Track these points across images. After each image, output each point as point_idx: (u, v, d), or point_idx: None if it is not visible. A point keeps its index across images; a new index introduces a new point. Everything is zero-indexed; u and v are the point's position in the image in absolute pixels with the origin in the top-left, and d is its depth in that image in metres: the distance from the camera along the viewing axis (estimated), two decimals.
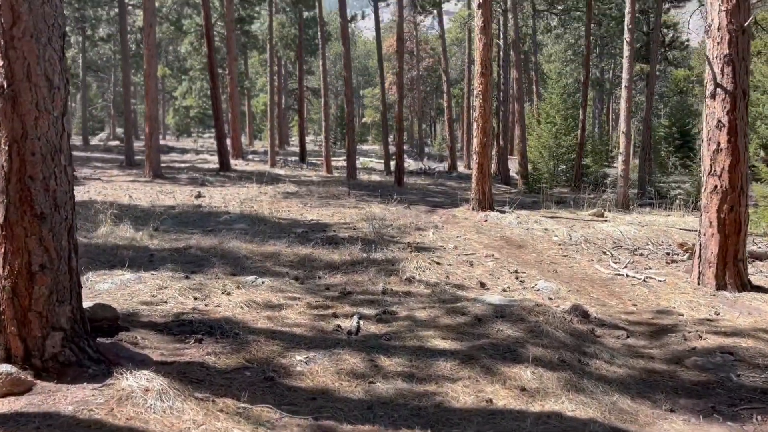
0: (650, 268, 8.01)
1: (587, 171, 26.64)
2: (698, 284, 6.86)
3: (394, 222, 11.45)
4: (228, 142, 25.46)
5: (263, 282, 6.47)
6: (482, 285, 6.90)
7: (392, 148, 48.17)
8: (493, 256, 8.89)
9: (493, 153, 30.08)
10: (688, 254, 8.99)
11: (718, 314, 5.83)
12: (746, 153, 6.70)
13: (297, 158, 32.91)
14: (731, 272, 6.66)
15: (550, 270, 8.05)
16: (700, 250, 6.88)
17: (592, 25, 26.31)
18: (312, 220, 11.74)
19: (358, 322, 4.93)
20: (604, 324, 5.44)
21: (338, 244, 8.95)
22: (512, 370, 4.07)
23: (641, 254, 9.18)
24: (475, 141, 14.08)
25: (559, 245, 9.88)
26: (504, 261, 8.52)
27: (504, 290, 6.83)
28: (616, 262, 8.45)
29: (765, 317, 5.76)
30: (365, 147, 58.66)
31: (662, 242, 10.46)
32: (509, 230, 11.41)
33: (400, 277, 6.91)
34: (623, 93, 16.17)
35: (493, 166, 29.96)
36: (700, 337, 5.02)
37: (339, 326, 4.88)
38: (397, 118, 19.71)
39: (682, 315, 5.82)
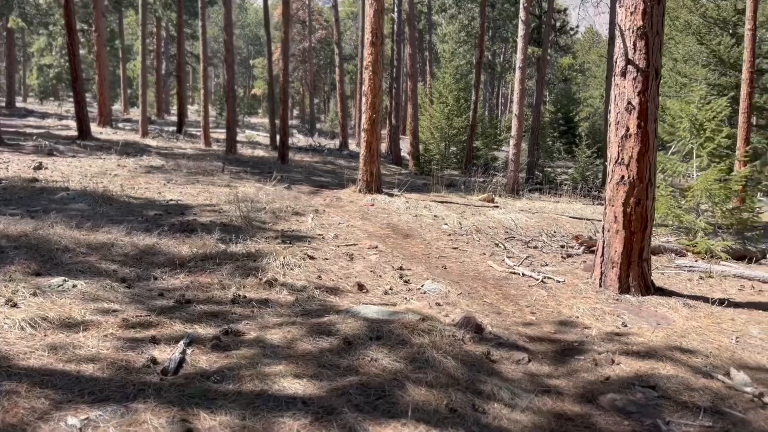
0: (546, 265, 7.24)
1: (478, 154, 26.41)
2: (600, 286, 6.13)
3: (268, 205, 10.05)
4: (96, 107, 22.60)
5: (75, 285, 4.92)
6: (360, 287, 5.76)
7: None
8: (377, 247, 7.79)
9: (385, 132, 29.22)
10: (583, 248, 8.37)
11: (625, 326, 5.06)
12: (656, 140, 6.00)
13: (175, 129, 30.26)
14: (635, 273, 5.97)
15: (439, 266, 7.06)
16: (603, 248, 6.14)
17: (486, 7, 25.91)
18: (171, 200, 10.06)
19: (182, 354, 3.59)
20: (501, 343, 4.46)
21: (193, 232, 7.45)
22: (384, 431, 2.93)
23: (535, 246, 8.46)
24: (363, 117, 12.91)
25: (449, 235, 8.97)
26: (389, 254, 7.44)
27: (386, 292, 5.74)
28: (510, 257, 7.62)
29: (674, 328, 5.06)
30: (254, 120, 56.00)
31: (555, 232, 9.86)
32: (397, 217, 10.38)
33: (259, 278, 5.60)
34: (516, 74, 15.64)
35: (385, 146, 29.14)
36: (613, 361, 4.17)
37: (153, 360, 3.51)
38: (282, 88, 18.11)
39: (588, 327, 4.99)
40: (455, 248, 8.08)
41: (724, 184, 8.70)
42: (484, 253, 7.81)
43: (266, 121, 50.21)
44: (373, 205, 11.37)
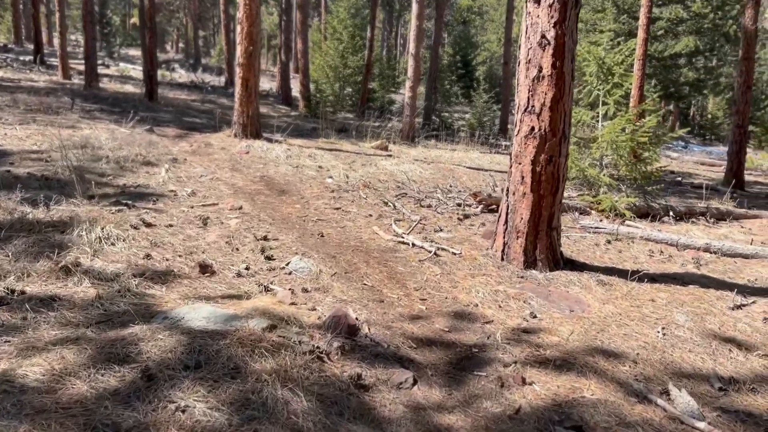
0: (441, 230, 6.17)
1: (374, 96, 25.05)
2: (502, 259, 5.13)
3: (113, 152, 8.26)
4: None
5: None
6: (204, 269, 4.39)
7: (164, 57, 41.96)
8: (241, 208, 6.38)
9: (277, 70, 27.03)
10: (482, 206, 7.40)
11: (534, 316, 4.08)
12: (573, 84, 4.95)
13: (31, 57, 26.37)
14: (543, 244, 5.01)
15: (315, 233, 5.79)
16: (507, 214, 5.11)
17: None
18: None
19: None
20: (380, 353, 3.31)
21: None
22: None
23: (429, 206, 7.38)
24: (238, 50, 11.13)
25: (333, 192, 7.68)
26: (255, 217, 6.07)
27: (239, 274, 4.42)
28: (400, 220, 6.48)
29: (591, 317, 4.15)
30: (134, 52, 50.85)
31: (451, 187, 8.85)
32: (274, 168, 8.93)
33: (56, 260, 4.07)
34: (414, 8, 14.28)
35: (276, 85, 27.00)
36: (524, 380, 3.14)
37: None
38: (148, 14, 15.65)
39: (490, 321, 3.95)
40: (337, 209, 6.82)
41: (630, 135, 7.99)
42: (371, 215, 6.61)
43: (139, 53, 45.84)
44: (247, 152, 9.82)
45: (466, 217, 6.97)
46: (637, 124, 8.30)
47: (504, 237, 5.14)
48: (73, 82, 19.37)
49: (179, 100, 18.35)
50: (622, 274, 5.15)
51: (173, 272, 4.27)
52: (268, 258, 4.86)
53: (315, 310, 3.88)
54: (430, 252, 5.22)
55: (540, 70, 4.83)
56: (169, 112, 14.65)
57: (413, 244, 5.44)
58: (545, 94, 4.82)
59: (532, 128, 4.89)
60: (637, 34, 13.87)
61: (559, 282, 4.79)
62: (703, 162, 18.59)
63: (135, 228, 5.15)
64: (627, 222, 7.48)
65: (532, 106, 4.88)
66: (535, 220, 4.98)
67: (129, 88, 20.43)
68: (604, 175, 8.29)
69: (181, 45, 57.36)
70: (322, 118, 15.99)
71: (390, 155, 11.71)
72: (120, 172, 7.39)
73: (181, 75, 31.88)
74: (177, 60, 41.23)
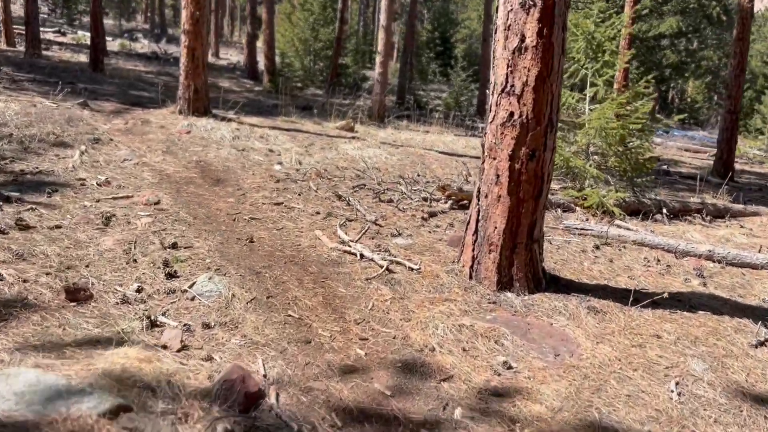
0: (398, 235, 5.10)
1: (347, 72, 23.75)
2: (471, 278, 4.11)
3: (21, 129, 7.02)
4: None
5: None
6: (74, 294, 3.29)
7: (129, 26, 39.95)
8: (158, 203, 5.25)
9: (244, 41, 25.53)
10: (451, 202, 6.37)
11: (509, 368, 3.07)
12: (563, 59, 3.90)
13: None
14: (522, 260, 3.99)
15: (244, 237, 4.70)
16: (478, 221, 4.07)
17: None
18: None
19: None
20: None
21: None
22: None
23: (390, 200, 6.31)
24: (183, 14, 9.85)
25: (278, 182, 6.57)
26: (173, 215, 4.96)
27: (122, 301, 3.34)
28: (352, 219, 5.41)
29: (583, 368, 3.16)
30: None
31: (419, 176, 7.80)
32: (215, 150, 7.77)
33: None
34: None
35: (243, 58, 25.51)
36: None
37: None
38: None
39: (449, 377, 2.93)
40: (279, 204, 5.72)
41: (623, 122, 6.99)
42: (318, 213, 5.53)
43: (109, 22, 43.55)
44: (189, 132, 8.62)
45: (432, 215, 5.92)
46: (628, 108, 7.29)
47: (473, 249, 4.10)
48: (17, 50, 17.76)
49: (132, 71, 16.90)
50: (617, 295, 4.16)
51: (25, 300, 3.16)
52: (170, 275, 3.76)
53: (210, 360, 2.82)
54: (381, 267, 4.16)
55: (522, 39, 3.76)
56: (115, 84, 13.28)
57: (362, 256, 4.37)
58: (528, 70, 3.76)
59: (511, 114, 3.83)
60: (624, 9, 12.89)
61: (541, 310, 3.78)
62: (688, 148, 17.79)
63: (1, 233, 4.01)
64: (617, 222, 6.51)
65: (512, 85, 3.82)
66: (513, 230, 3.95)
67: (81, 58, 18.86)
68: (590, 165, 7.30)
69: (151, 16, 54.96)
70: (286, 94, 14.75)
71: (355, 137, 10.60)
72: (21, 155, 6.19)
73: (144, 45, 30.12)
74: (142, 30, 39.20)
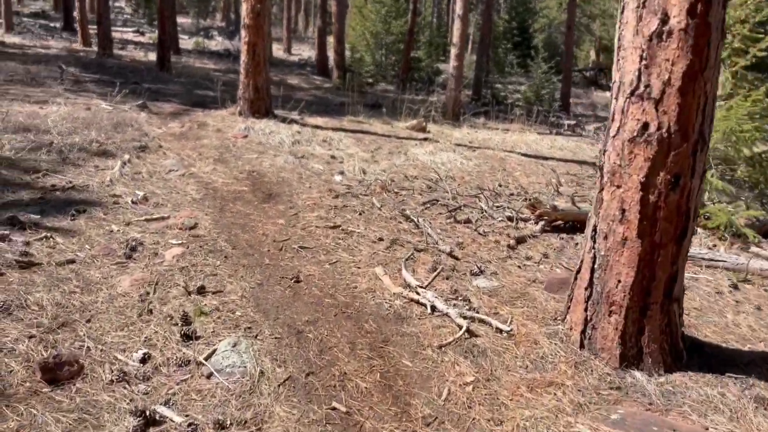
0: (480, 273, 4.07)
1: (419, 66, 22.73)
2: (582, 347, 3.04)
3: (64, 137, 6.47)
4: None
5: None
6: (53, 372, 2.51)
7: (205, 24, 40.57)
8: (195, 227, 4.48)
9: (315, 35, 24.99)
10: (542, 223, 5.27)
11: None
12: (720, 48, 2.77)
13: (62, 25, 25.19)
14: (656, 327, 2.90)
15: (289, 273, 3.82)
16: (593, 270, 3.00)
17: None
18: None
19: None
20: None
21: None
22: None
23: (467, 220, 5.28)
24: (244, 8, 9.15)
25: (338, 197, 5.67)
26: (209, 243, 4.16)
27: (120, 378, 2.55)
28: (421, 250, 4.42)
29: None
30: (181, 20, 49.60)
31: (501, 187, 6.73)
32: (272, 158, 6.98)
33: None
34: None
35: (315, 53, 24.97)
36: None
37: None
38: None
39: None
40: (335, 227, 4.81)
41: (760, 122, 5.65)
42: (381, 239, 4.58)
43: (187, 21, 44.35)
44: (245, 136, 7.89)
45: (520, 241, 4.86)
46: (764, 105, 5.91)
47: (586, 309, 3.04)
48: (92, 49, 17.85)
49: (200, 69, 16.58)
50: None
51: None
52: (188, 336, 2.93)
53: None
54: (459, 327, 3.16)
55: (664, 19, 2.65)
56: (180, 84, 12.86)
57: (433, 308, 3.38)
58: (672, 64, 2.66)
59: (645, 126, 2.74)
60: None
61: (687, 401, 2.68)
62: None
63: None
64: (753, 249, 5.21)
65: (647, 86, 2.72)
66: (644, 286, 2.86)
67: (152, 57, 18.77)
68: (713, 176, 5.98)
69: (227, 14, 55.74)
70: (354, 90, 13.91)
71: (427, 138, 9.60)
72: (58, 167, 5.59)
73: (218, 43, 30.20)
74: (218, 28, 39.57)
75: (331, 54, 22.08)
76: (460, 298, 3.54)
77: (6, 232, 3.86)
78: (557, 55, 29.88)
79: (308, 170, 6.59)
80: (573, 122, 14.36)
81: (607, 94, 24.84)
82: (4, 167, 5.23)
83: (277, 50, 29.03)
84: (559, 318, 3.31)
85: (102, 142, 6.48)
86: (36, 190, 4.93)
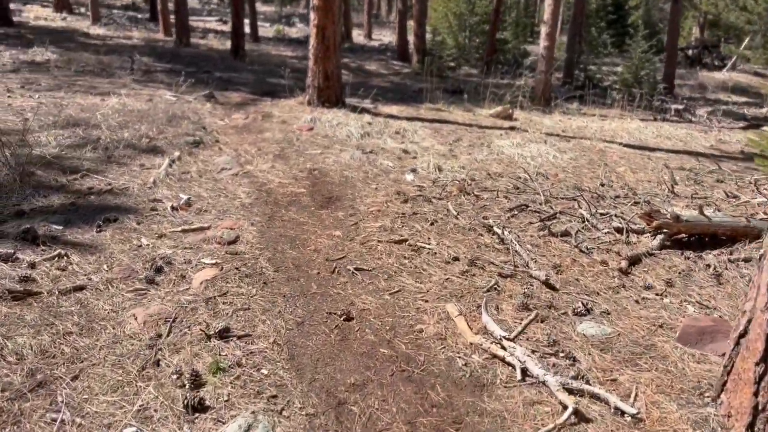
0: (586, 310, 3.11)
1: (505, 48, 21.38)
2: None
3: (114, 132, 5.99)
4: None
5: None
6: None
7: (288, 11, 40.66)
8: (235, 242, 3.80)
9: (394, 18, 24.13)
10: (662, 237, 4.21)
11: None
12: None
13: (149, 16, 25.67)
14: None
15: (338, 308, 3.03)
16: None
17: None
18: None
19: None
20: None
21: None
22: None
23: (565, 233, 4.30)
24: None
25: (406, 200, 4.83)
26: (245, 264, 3.46)
27: None
28: (507, 276, 3.50)
29: None
30: (265, 8, 50.14)
31: (603, 187, 5.66)
32: (337, 152, 6.23)
33: None
34: None
35: (395, 37, 24.11)
36: None
37: None
38: None
39: None
40: (401, 241, 3.98)
41: None
42: (456, 259, 3.71)
43: (270, 9, 44.66)
44: (311, 128, 7.19)
45: (634, 262, 3.84)
46: None
47: (757, 393, 2.05)
48: (172, 39, 17.86)
49: (276, 56, 16.14)
50: None
51: None
52: (192, 407, 2.20)
53: None
54: (563, 406, 2.25)
55: None
56: (252, 72, 12.39)
57: (525, 373, 2.49)
58: None
59: None
60: None
61: None
62: None
63: None
64: None
65: None
66: None
67: (229, 45, 18.60)
68: None
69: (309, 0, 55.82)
70: (434, 75, 12.96)
71: (513, 127, 8.57)
72: (101, 166, 5.08)
73: (299, 30, 29.96)
74: (300, 14, 39.49)
75: (411, 38, 21.16)
76: (561, 354, 2.63)
77: (11, 250, 3.30)
78: (660, 32, 27.51)
79: (376, 168, 5.79)
80: (680, 107, 12.75)
81: (715, 74, 22.47)
82: (41, 167, 4.76)
83: (358, 36, 28.42)
84: (707, 394, 2.33)
85: (152, 137, 5.96)
86: (69, 194, 4.41)
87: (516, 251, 3.86)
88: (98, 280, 3.16)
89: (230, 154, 5.89)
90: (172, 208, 4.33)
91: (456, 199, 4.94)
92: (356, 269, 3.52)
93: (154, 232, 3.88)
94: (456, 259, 3.72)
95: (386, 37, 30.15)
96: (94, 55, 11.31)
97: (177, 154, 5.58)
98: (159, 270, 3.34)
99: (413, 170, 5.75)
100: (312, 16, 8.49)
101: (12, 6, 24.33)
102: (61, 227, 3.77)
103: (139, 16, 26.24)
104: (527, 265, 3.65)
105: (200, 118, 7.28)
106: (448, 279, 3.42)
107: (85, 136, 5.74)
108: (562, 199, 5.20)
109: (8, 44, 12.01)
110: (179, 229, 3.98)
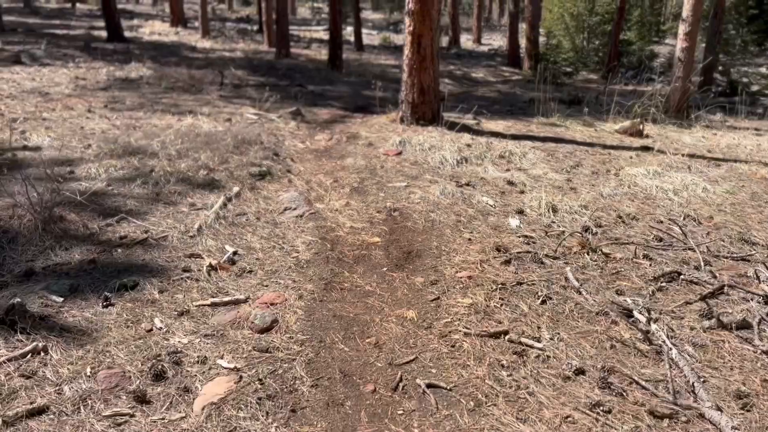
0: None
1: (629, 50, 19.28)
2: None
3: (171, 162, 5.29)
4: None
5: None
6: None
7: (396, 17, 40.20)
8: (270, 328, 2.83)
9: (505, 21, 22.67)
10: None
11: None
12: None
13: (257, 28, 25.98)
14: None
15: None
16: None
17: None
18: (28, 145, 5.61)
19: None
20: None
21: None
22: None
23: (742, 324, 2.93)
24: None
25: (508, 261, 3.64)
26: (270, 379, 2.49)
27: None
28: (659, 416, 2.26)
29: None
30: (374, 16, 50.06)
31: None
32: (426, 185, 5.16)
33: None
34: None
35: (506, 41, 22.63)
36: None
37: None
38: None
39: None
40: (497, 334, 2.82)
41: None
42: (579, 372, 2.51)
43: (379, 16, 44.40)
44: (399, 153, 6.16)
45: None
46: None
47: None
48: (273, 50, 17.63)
49: (377, 66, 15.34)
50: None
51: None
52: None
53: None
54: None
55: None
56: (348, 84, 11.60)
57: None
58: None
59: None
60: None
61: None
62: None
63: None
64: None
65: None
66: None
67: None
68: None
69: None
70: (547, 83, 11.51)
71: (646, 146, 7.08)
72: (145, 205, 4.33)
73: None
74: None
75: (523, 42, 19.63)
76: None
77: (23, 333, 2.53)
78: None
79: (472, 207, 4.64)
80: None
81: None
82: (73, 208, 4.07)
83: (467, 41, 27.20)
84: None
85: (212, 168, 5.18)
86: (96, 245, 3.67)
87: (671, 358, 2.59)
88: (70, 395, 2.29)
89: (300, 188, 4.99)
90: (210, 267, 3.45)
91: (577, 259, 3.69)
92: (429, 386, 2.43)
93: (175, 307, 3.00)
94: (579, 372, 2.51)
95: (496, 41, 28.65)
96: (187, 70, 11.00)
97: (236, 189, 4.75)
98: (159, 376, 2.44)
99: (519, 211, 4.54)
100: (407, 21, 7.48)
101: (135, 21, 25.51)
102: (61, 299, 2.99)
103: (249, 28, 26.63)
104: (693, 390, 2.38)
105: (277, 140, 6.47)
106: (568, 418, 2.23)
107: (140, 166, 5.07)
108: (726, 258, 3.80)
109: (111, 60, 12.05)
110: (209, 301, 3.08)
